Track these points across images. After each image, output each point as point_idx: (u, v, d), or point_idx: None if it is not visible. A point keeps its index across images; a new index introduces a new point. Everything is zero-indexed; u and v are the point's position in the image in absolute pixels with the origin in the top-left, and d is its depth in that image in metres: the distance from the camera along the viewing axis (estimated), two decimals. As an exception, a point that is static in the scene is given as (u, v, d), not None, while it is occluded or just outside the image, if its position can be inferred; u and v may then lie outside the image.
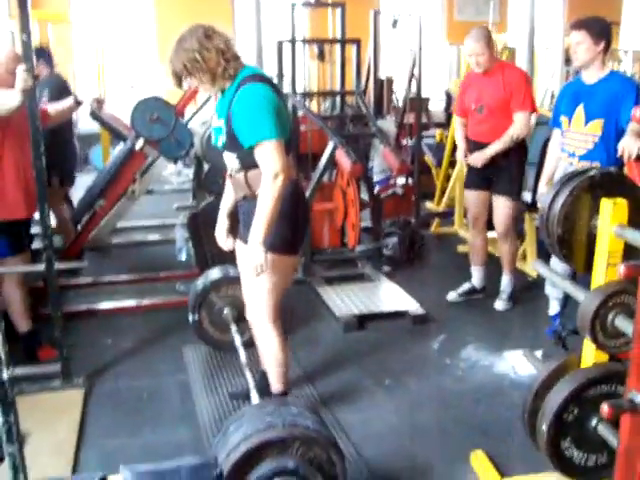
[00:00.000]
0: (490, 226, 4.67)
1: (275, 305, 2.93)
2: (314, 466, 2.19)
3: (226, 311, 3.74)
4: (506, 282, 4.59)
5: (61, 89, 5.05)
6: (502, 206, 4.37)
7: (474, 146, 4.43)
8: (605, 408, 1.91)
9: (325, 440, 2.23)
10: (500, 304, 4.57)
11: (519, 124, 4.19)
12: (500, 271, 4.59)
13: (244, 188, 2.80)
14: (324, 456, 2.22)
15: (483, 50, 4.14)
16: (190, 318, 3.80)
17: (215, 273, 3.83)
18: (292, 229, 2.84)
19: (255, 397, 2.91)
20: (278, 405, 2.36)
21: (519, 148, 4.32)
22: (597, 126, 3.57)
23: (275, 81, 3.13)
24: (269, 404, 2.40)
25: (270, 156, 2.58)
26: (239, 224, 2.95)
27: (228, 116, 2.66)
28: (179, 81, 2.69)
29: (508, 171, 4.28)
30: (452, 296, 4.75)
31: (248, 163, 2.71)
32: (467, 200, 4.70)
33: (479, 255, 4.70)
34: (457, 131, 4.67)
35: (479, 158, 4.30)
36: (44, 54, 5.39)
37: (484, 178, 4.42)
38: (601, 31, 3.56)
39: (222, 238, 3.13)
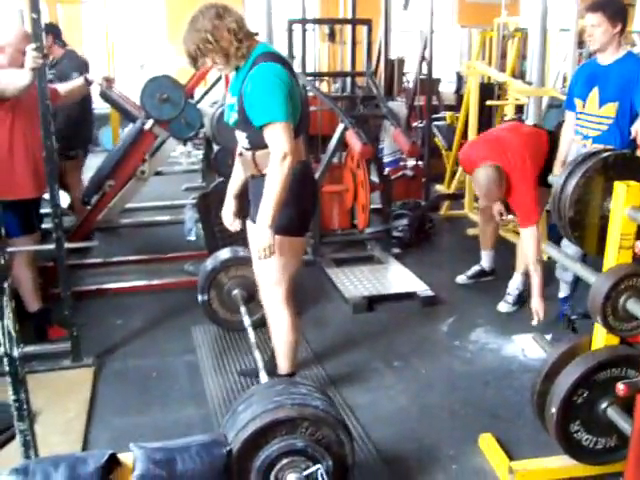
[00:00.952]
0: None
1: (287, 286, 2.93)
2: (322, 446, 2.20)
3: (235, 292, 3.74)
4: (516, 283, 4.32)
5: (83, 69, 5.11)
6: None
7: None
8: (621, 387, 1.91)
9: (334, 420, 2.23)
10: (504, 306, 4.29)
11: (528, 244, 3.87)
12: (509, 252, 4.55)
13: (252, 167, 2.80)
14: (333, 436, 2.22)
15: (491, 188, 3.84)
16: (199, 298, 3.81)
17: (225, 254, 3.83)
18: (300, 211, 2.84)
19: (264, 377, 2.91)
20: (287, 385, 2.36)
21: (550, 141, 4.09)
22: (611, 109, 3.54)
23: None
24: (278, 384, 2.40)
25: (278, 137, 2.57)
26: (248, 204, 2.95)
27: (241, 95, 2.65)
28: (194, 61, 2.67)
29: None
30: (461, 279, 4.74)
31: (257, 143, 2.70)
32: None
33: (490, 239, 4.65)
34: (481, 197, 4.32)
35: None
36: (56, 30, 5.41)
37: None
38: (617, 12, 3.50)
39: (228, 219, 3.13)
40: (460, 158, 4.42)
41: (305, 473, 2.14)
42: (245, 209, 3.00)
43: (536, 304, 3.76)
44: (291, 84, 2.63)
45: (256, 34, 2.72)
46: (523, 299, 4.32)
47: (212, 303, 3.84)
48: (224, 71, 2.76)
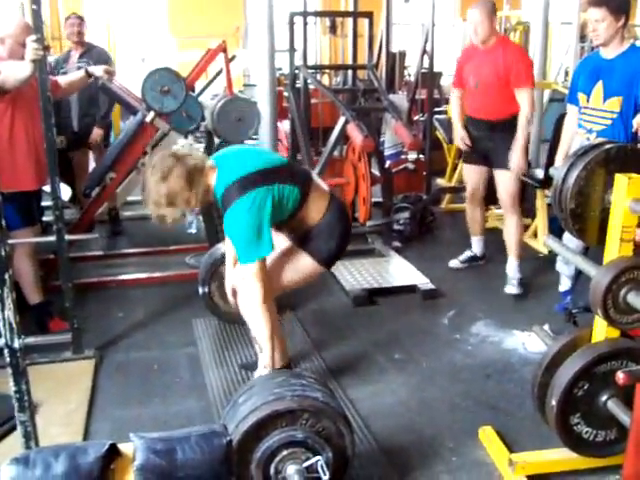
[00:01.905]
0: (492, 201, 4.81)
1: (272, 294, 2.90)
2: (323, 437, 2.20)
3: None
4: (513, 268, 4.45)
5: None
6: (503, 179, 4.38)
7: (469, 122, 4.49)
8: (621, 375, 1.90)
9: (334, 412, 2.24)
10: (511, 289, 4.42)
11: (526, 103, 4.17)
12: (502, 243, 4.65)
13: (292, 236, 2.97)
14: (333, 428, 2.23)
15: (483, 19, 4.14)
16: (200, 291, 3.81)
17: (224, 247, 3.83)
18: (338, 247, 2.93)
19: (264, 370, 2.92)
20: (288, 377, 2.36)
21: (510, 123, 4.27)
22: (616, 103, 3.52)
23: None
24: (278, 375, 2.40)
25: (253, 277, 2.66)
26: None
27: None
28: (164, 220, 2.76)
29: (504, 144, 4.29)
30: (454, 263, 4.88)
31: (280, 227, 2.86)
32: (465, 174, 4.79)
33: (478, 225, 4.82)
34: (453, 107, 4.70)
35: (518, 161, 4.24)
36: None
37: (481, 154, 4.49)
38: (621, 6, 3.48)
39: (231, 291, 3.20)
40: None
41: (305, 464, 2.14)
42: None
43: (515, 158, 4.21)
44: (269, 198, 2.66)
45: (208, 169, 2.75)
46: (524, 282, 4.47)
47: (213, 296, 3.84)
48: (194, 211, 2.86)
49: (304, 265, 2.90)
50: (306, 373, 2.69)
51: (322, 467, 2.14)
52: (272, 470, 2.17)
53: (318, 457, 2.16)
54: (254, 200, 2.63)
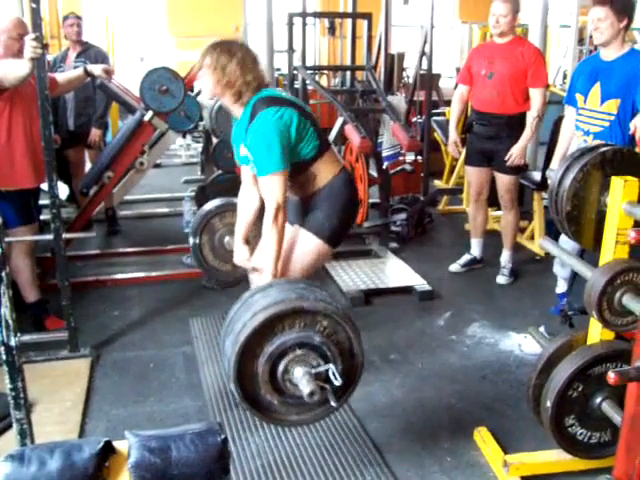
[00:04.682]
0: (492, 203, 4.87)
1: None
2: (337, 349, 2.18)
3: (227, 238, 3.68)
4: (507, 258, 4.70)
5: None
6: (505, 181, 4.50)
7: (477, 116, 4.49)
8: (612, 375, 1.91)
9: (351, 328, 2.21)
10: (502, 279, 4.67)
11: (539, 101, 4.28)
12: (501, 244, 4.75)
13: (299, 192, 2.87)
14: (347, 344, 2.21)
15: (507, 12, 4.20)
16: (191, 241, 3.70)
17: (222, 199, 3.73)
18: (344, 223, 2.90)
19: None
20: (309, 284, 2.33)
21: (519, 122, 4.36)
22: (613, 105, 3.53)
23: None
24: (300, 282, 2.35)
25: (273, 188, 2.62)
26: None
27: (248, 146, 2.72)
28: (198, 67, 2.71)
29: (508, 148, 4.33)
30: (454, 267, 4.88)
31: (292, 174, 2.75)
32: (469, 176, 4.82)
33: (480, 228, 4.85)
34: (453, 105, 4.72)
35: (518, 155, 4.34)
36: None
37: (485, 155, 4.51)
38: (625, 7, 3.49)
39: (244, 262, 3.04)
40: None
41: (316, 370, 2.12)
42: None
43: (516, 149, 4.32)
44: (296, 122, 2.66)
45: (266, 85, 2.77)
46: (516, 273, 4.68)
47: (202, 249, 3.71)
48: (213, 96, 2.77)
49: (310, 247, 2.84)
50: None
51: (334, 374, 2.11)
52: (281, 368, 2.14)
53: (330, 365, 2.13)
54: (281, 114, 2.63)
